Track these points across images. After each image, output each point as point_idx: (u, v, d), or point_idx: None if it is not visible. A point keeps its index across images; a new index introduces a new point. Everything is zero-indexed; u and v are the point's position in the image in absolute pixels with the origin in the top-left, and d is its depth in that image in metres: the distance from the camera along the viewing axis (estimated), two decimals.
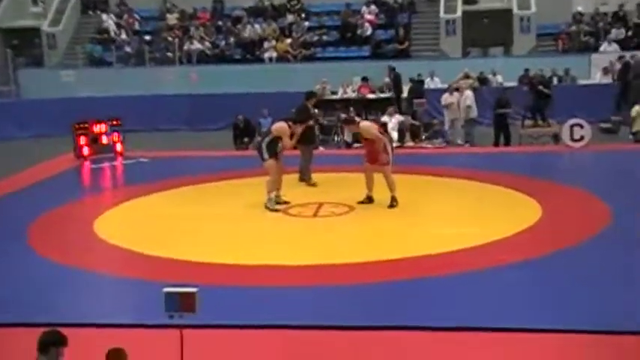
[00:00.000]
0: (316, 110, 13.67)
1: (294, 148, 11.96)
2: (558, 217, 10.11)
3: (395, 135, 17.43)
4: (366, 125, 11.05)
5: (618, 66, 21.60)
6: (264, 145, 10.99)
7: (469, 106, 18.07)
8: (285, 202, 11.21)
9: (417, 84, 20.78)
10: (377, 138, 10.79)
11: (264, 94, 21.00)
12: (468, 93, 18.41)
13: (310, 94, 13.57)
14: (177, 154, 16.69)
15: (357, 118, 12.00)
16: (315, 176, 12.74)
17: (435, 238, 9.27)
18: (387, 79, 20.60)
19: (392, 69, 20.81)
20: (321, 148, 14.09)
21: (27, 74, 25.99)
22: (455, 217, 10.41)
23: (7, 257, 9.08)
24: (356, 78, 21.36)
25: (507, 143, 17.36)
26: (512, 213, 10.45)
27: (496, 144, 17.35)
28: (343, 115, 18.68)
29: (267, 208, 10.89)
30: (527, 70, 21.87)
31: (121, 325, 6.82)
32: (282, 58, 25.69)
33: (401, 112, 19.12)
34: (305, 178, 12.72)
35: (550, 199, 10.98)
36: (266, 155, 10.91)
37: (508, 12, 25.62)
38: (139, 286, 7.93)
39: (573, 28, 25.39)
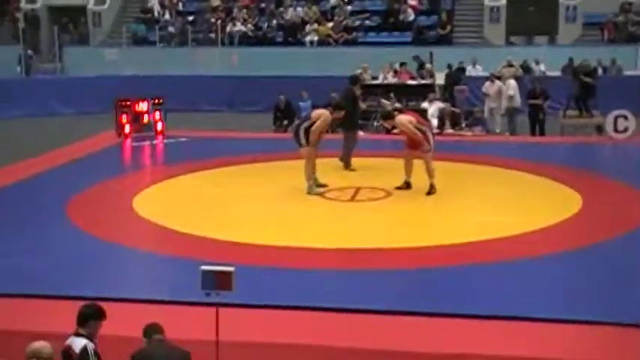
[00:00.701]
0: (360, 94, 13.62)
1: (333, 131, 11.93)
2: (599, 209, 9.98)
3: (435, 122, 17.35)
4: (403, 120, 10.88)
5: None
6: (301, 131, 10.91)
7: (511, 96, 17.92)
8: (323, 185, 11.19)
9: (457, 71, 20.66)
10: (412, 133, 10.73)
11: (304, 77, 21.00)
12: (511, 82, 18.24)
13: (355, 79, 13.55)
14: (217, 134, 16.72)
15: (394, 112, 11.81)
16: (354, 161, 12.70)
17: (472, 226, 9.18)
18: (428, 65, 20.48)
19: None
20: (360, 133, 14.01)
21: (72, 52, 26.39)
22: (493, 205, 10.30)
23: (47, 231, 9.19)
24: (396, 64, 21.34)
25: (542, 134, 17.21)
26: (551, 204, 10.34)
27: (532, 133, 17.25)
28: (382, 101, 18.65)
29: (309, 193, 10.87)
30: (571, 59, 21.57)
31: (158, 301, 6.85)
32: (323, 42, 25.68)
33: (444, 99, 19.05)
34: (346, 163, 12.67)
35: (591, 191, 10.84)
36: (303, 141, 10.86)
37: (554, 0, 25.30)
38: (176, 263, 7.99)
39: (621, 17, 24.97)
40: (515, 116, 18.04)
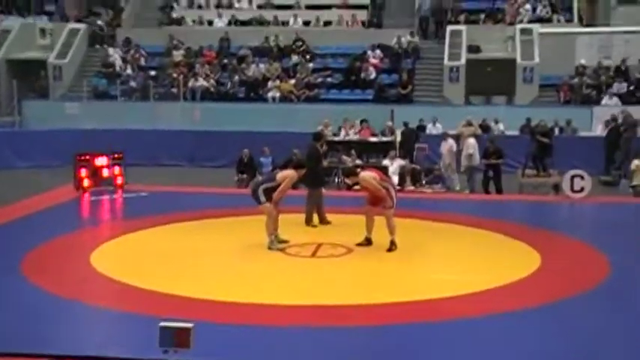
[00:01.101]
0: (324, 149, 13.80)
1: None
2: (557, 267, 10.07)
3: (395, 179, 17.52)
4: (367, 176, 10.95)
5: (613, 122, 21.52)
6: (260, 190, 10.93)
7: (471, 154, 18.19)
8: (285, 241, 11.22)
9: (417, 129, 21.11)
10: (376, 190, 10.81)
11: (266, 133, 21.14)
12: (470, 141, 18.52)
13: (318, 136, 13.70)
14: (177, 189, 16.69)
15: (357, 169, 11.93)
16: (316, 217, 12.78)
17: (433, 284, 9.21)
18: (389, 123, 20.78)
19: (405, 124, 21.07)
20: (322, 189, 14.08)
21: (32, 105, 26.21)
22: (453, 262, 10.36)
23: (1, 288, 8.99)
24: (357, 120, 21.61)
25: (499, 192, 17.47)
26: (511, 261, 10.41)
27: (485, 191, 17.53)
28: (343, 157, 18.81)
29: (269, 248, 10.90)
30: (528, 119, 22.03)
31: (115, 358, 6.73)
32: (285, 98, 25.92)
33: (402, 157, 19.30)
34: (310, 221, 12.73)
35: (549, 248, 10.95)
36: (263, 199, 10.88)
37: (512, 62, 25.91)
38: (133, 319, 7.87)
39: (576, 80, 25.64)
40: (474, 174, 18.26)
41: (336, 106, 23.97)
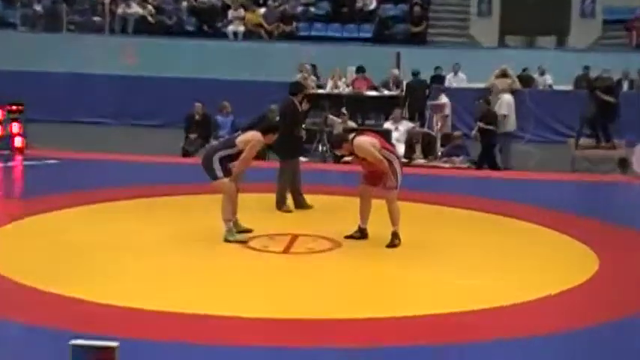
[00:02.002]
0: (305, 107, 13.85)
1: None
2: (622, 274, 10.06)
3: (401, 148, 17.72)
4: (362, 143, 10.93)
5: None
6: (216, 160, 10.96)
7: (505, 116, 18.23)
8: (247, 230, 11.25)
9: (425, 83, 21.19)
10: (375, 161, 10.87)
11: (225, 81, 21.08)
12: (505, 98, 18.61)
13: (297, 87, 13.67)
14: (99, 156, 16.72)
15: (349, 133, 11.90)
16: (289, 199, 12.90)
17: (451, 291, 9.20)
18: (394, 71, 20.79)
19: (414, 74, 21.10)
20: (301, 159, 14.13)
21: None
22: (476, 263, 10.39)
23: None
24: (351, 67, 21.56)
25: (492, 167, 17.81)
26: (556, 264, 10.43)
27: (478, 165, 18.01)
28: (331, 117, 18.79)
29: (226, 240, 10.94)
30: (587, 68, 22.09)
31: None
32: (252, 34, 25.82)
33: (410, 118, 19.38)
34: (283, 204, 12.88)
35: (612, 248, 11.00)
36: (219, 173, 10.89)
37: None
38: (34, 335, 7.77)
39: None
40: (508, 143, 18.34)
41: (321, 47, 24.09)
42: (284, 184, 12.92)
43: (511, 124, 18.31)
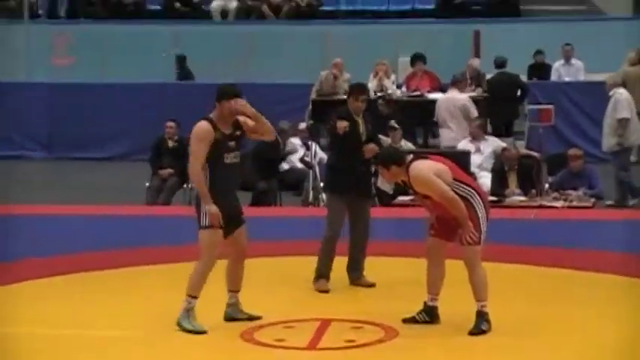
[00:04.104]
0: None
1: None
2: None
3: (487, 180, 18.14)
4: (422, 171, 10.75)
5: None
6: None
7: (626, 120, 18.65)
8: (250, 318, 11.24)
9: (516, 78, 21.05)
10: (446, 199, 10.64)
11: (207, 87, 20.78)
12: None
13: (358, 89, 13.48)
14: (16, 210, 17.42)
15: (405, 156, 11.63)
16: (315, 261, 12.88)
17: None
18: (472, 61, 20.61)
19: (499, 64, 20.95)
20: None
21: None
22: None
23: None
24: (403, 58, 21.31)
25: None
26: None
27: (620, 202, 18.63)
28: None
29: (180, 326, 10.94)
30: None
31: None
32: (249, 12, 25.71)
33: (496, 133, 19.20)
34: (356, 272, 12.95)
35: None
36: (204, 218, 10.91)
37: None
38: None
39: None
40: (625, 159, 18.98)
41: (356, 29, 24.12)
42: (325, 241, 12.81)
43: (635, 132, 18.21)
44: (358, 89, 13.47)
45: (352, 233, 12.95)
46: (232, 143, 11.09)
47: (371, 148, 12.42)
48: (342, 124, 12.62)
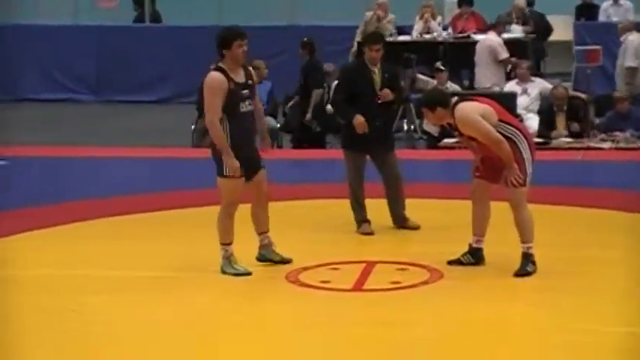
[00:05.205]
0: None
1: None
2: None
3: (534, 122, 17.90)
4: (468, 112, 10.83)
5: None
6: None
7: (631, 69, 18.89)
8: (282, 261, 11.39)
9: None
10: (492, 141, 10.67)
11: (254, 29, 20.86)
12: None
13: (371, 38, 13.46)
14: (65, 151, 17.67)
15: (450, 97, 11.61)
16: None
17: (609, 347, 8.93)
18: (520, 1, 20.54)
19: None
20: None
21: None
22: None
23: None
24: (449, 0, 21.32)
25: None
26: None
27: None
28: (419, 77, 18.52)
29: (223, 272, 11.19)
30: None
31: None
32: None
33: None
34: (399, 221, 13.02)
35: None
36: (224, 170, 11.13)
37: None
38: None
39: None
40: None
41: None
42: (350, 196, 12.99)
43: None
44: (372, 39, 13.46)
45: (385, 188, 13.04)
46: (246, 91, 11.16)
47: (386, 92, 12.43)
48: (361, 125, 12.57)
